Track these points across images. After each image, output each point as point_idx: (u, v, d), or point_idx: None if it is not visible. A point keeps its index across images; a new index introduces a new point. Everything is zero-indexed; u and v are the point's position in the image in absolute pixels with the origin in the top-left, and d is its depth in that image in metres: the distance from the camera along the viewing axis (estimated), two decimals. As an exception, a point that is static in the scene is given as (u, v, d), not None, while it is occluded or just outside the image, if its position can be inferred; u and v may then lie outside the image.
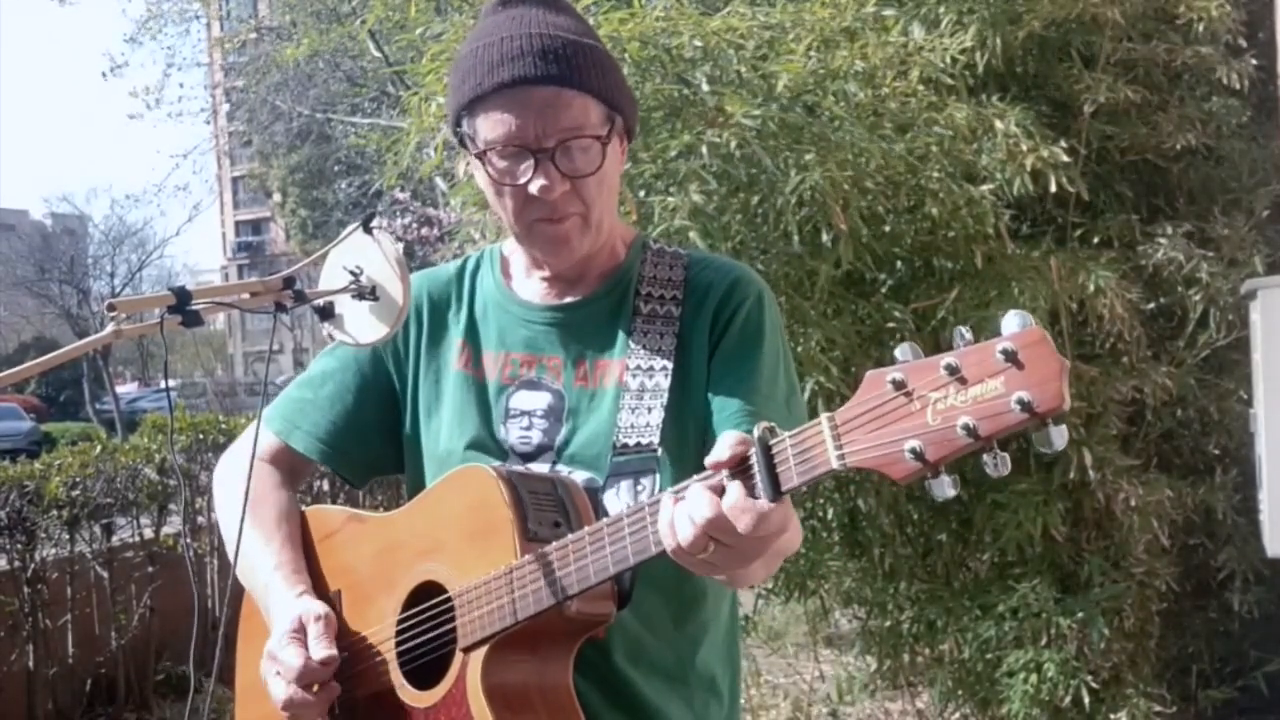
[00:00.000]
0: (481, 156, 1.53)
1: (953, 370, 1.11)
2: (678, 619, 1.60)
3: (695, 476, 1.30)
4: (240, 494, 1.55)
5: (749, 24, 3.42)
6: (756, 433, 1.23)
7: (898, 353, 1.16)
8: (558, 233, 1.55)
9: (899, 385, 1.14)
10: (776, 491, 1.22)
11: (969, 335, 1.12)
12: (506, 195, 1.54)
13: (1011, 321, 1.10)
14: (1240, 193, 4.24)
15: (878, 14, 3.68)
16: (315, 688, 1.51)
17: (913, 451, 1.12)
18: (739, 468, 1.25)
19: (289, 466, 1.74)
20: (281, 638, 1.53)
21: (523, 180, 1.51)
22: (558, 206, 1.52)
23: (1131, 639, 3.93)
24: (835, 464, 1.17)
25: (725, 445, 1.27)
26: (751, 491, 1.23)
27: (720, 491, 1.25)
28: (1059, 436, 1.08)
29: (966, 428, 1.09)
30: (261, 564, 1.63)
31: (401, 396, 1.69)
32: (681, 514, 1.27)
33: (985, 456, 1.11)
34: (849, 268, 3.45)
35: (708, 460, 1.27)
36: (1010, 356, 1.08)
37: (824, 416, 1.19)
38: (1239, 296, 3.87)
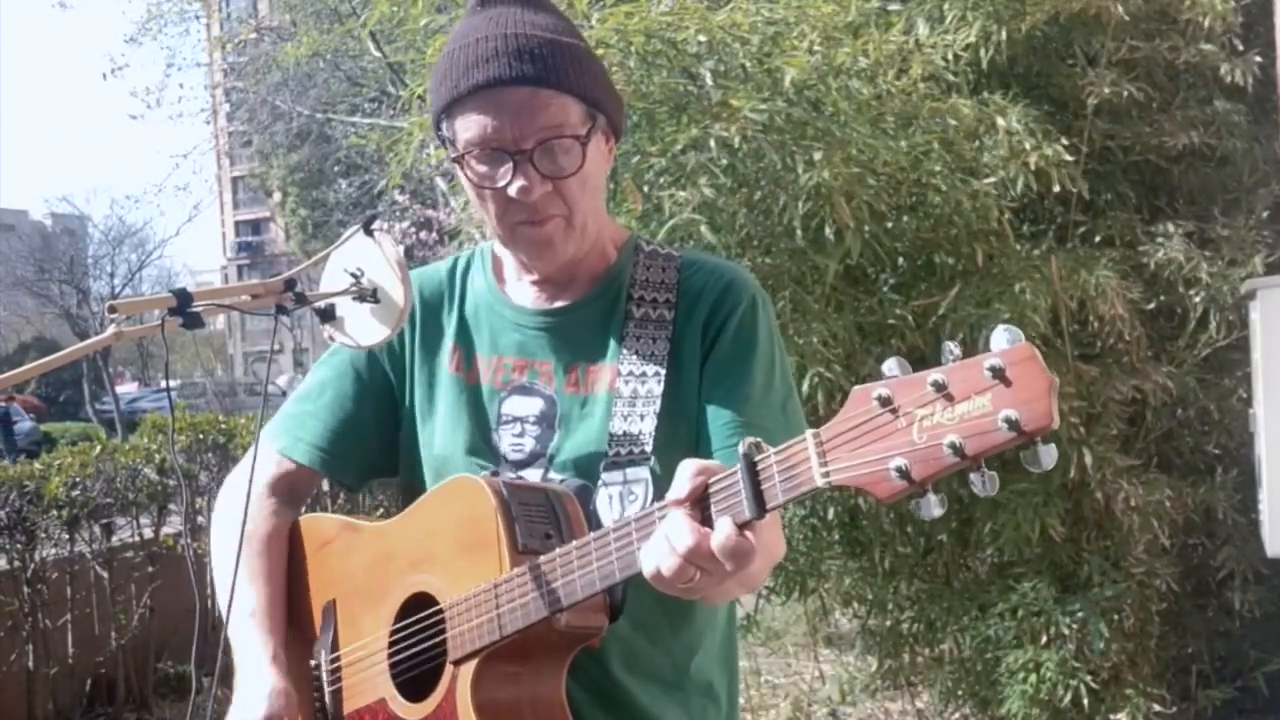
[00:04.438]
0: (461, 160, 1.51)
1: (939, 387, 1.08)
2: (674, 626, 1.58)
3: (666, 498, 1.27)
4: (236, 538, 1.53)
5: (753, 19, 3.42)
6: (742, 449, 1.21)
7: (885, 368, 1.13)
8: (540, 235, 1.52)
9: (885, 401, 1.11)
10: (760, 509, 1.20)
11: (957, 351, 1.10)
12: (488, 199, 1.51)
13: (1000, 337, 1.07)
14: (1240, 193, 4.23)
15: (882, 9, 3.68)
16: None
17: (899, 470, 1.09)
18: (723, 488, 1.23)
19: (291, 489, 1.71)
20: None
21: (502, 183, 1.48)
22: (539, 208, 1.49)
23: (1131, 639, 3.92)
24: (819, 481, 1.15)
25: (684, 478, 1.25)
26: (731, 509, 1.21)
27: (700, 519, 1.23)
28: (1047, 456, 1.05)
29: (953, 446, 1.06)
30: (237, 609, 1.59)
31: (399, 396, 1.67)
32: (662, 543, 1.24)
33: (973, 475, 1.08)
34: (851, 263, 3.45)
35: (669, 496, 1.26)
36: (998, 373, 1.05)
37: (809, 433, 1.17)
38: (1239, 296, 3.87)
